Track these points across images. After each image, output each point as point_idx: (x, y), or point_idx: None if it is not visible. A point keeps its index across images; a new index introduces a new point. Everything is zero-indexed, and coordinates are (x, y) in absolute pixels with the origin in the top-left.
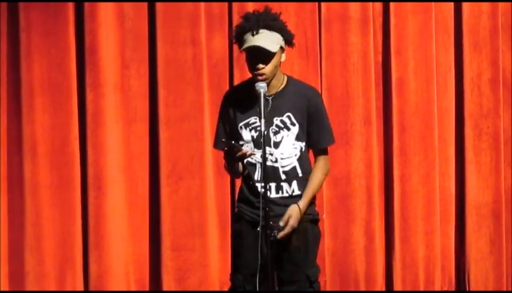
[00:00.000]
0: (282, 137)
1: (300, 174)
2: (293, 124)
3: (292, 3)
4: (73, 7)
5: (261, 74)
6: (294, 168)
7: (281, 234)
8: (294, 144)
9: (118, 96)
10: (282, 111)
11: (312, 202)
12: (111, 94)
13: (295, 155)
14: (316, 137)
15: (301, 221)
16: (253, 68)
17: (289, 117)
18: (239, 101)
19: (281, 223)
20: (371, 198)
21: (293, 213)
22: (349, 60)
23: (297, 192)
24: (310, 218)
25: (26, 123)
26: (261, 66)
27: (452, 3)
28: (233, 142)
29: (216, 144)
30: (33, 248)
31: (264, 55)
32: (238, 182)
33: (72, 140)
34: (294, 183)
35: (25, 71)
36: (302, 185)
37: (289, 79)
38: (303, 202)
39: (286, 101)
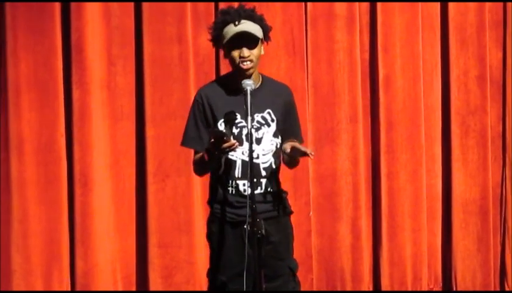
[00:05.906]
0: (263, 133)
1: (275, 170)
2: (272, 121)
3: (279, 2)
4: (59, 5)
5: (248, 60)
6: (271, 164)
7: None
8: (271, 140)
9: (104, 94)
10: (262, 107)
11: (285, 195)
12: (97, 91)
13: (272, 151)
14: (292, 133)
15: (282, 214)
16: (238, 55)
17: (269, 113)
18: (218, 97)
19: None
20: (357, 195)
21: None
22: (335, 57)
23: (274, 188)
24: (288, 212)
25: (12, 121)
26: (247, 51)
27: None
28: (223, 130)
29: (185, 142)
30: (20, 246)
31: (250, 42)
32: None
33: (59, 138)
34: (271, 179)
35: (12, 68)
36: (276, 181)
37: (263, 76)
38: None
39: (265, 98)
